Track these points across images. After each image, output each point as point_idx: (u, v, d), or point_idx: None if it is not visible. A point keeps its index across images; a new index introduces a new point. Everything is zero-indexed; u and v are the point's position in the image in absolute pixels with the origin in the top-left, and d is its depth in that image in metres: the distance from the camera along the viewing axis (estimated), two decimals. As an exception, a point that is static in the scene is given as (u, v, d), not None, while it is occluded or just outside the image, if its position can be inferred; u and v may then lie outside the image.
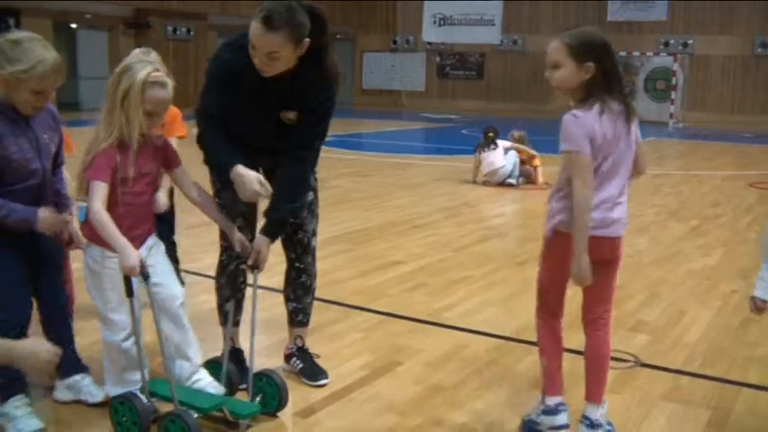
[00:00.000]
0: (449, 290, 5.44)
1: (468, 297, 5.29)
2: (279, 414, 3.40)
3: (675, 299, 5.38)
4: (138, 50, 3.32)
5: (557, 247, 3.18)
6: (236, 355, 3.67)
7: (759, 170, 13.19)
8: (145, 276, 3.02)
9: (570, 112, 3.04)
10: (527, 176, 10.59)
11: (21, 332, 3.13)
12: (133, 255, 2.99)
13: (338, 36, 28.43)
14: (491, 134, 10.65)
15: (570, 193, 3.00)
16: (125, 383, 3.28)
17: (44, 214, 3.13)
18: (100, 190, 3.07)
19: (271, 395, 3.38)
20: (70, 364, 3.43)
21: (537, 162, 10.71)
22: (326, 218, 7.33)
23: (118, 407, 3.17)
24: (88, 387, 3.46)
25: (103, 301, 3.22)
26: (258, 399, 3.36)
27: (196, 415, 3.09)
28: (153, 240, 3.35)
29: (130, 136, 3.08)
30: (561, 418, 3.26)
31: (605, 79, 3.02)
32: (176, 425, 3.01)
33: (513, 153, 10.54)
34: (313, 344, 4.01)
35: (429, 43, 28.96)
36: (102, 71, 21.67)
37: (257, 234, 3.48)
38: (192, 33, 24.65)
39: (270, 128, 3.35)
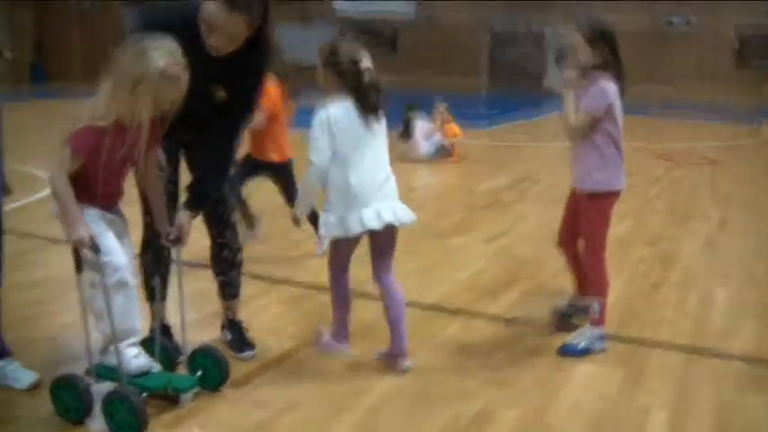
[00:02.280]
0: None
1: (390, 268, 5.36)
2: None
3: (590, 266, 5.55)
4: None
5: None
6: (165, 331, 3.65)
7: (666, 143, 13.60)
8: (95, 250, 2.96)
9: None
10: (444, 150, 10.66)
11: None
12: (82, 228, 2.95)
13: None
14: (408, 113, 10.58)
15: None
16: (124, 336, 3.13)
17: None
18: (72, 162, 2.98)
19: (211, 370, 3.37)
20: None
21: (457, 135, 10.79)
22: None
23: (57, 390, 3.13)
24: (14, 372, 3.39)
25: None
26: (198, 374, 3.34)
27: (144, 394, 3.07)
28: (120, 212, 3.29)
29: (132, 121, 2.98)
30: None
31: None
32: (124, 405, 2.98)
33: (434, 140, 10.59)
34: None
35: (341, 14, 28.85)
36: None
37: (180, 208, 3.45)
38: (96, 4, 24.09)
39: (199, 104, 3.32)
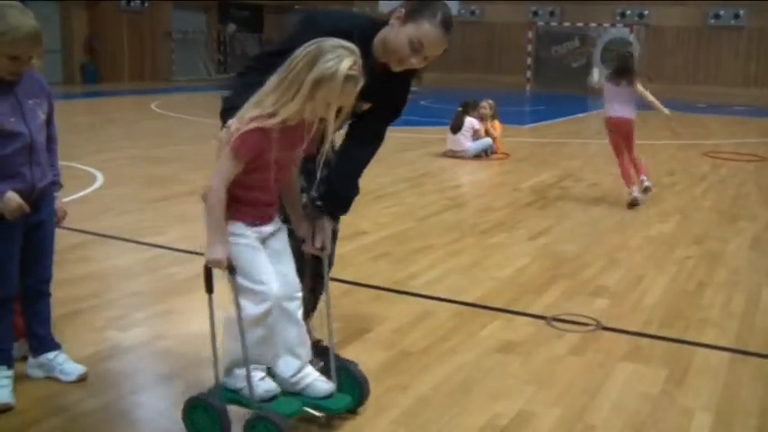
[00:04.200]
0: (412, 258, 5.52)
1: (432, 265, 5.38)
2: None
3: (633, 264, 5.52)
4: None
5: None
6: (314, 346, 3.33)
7: (712, 140, 13.43)
8: (230, 270, 2.80)
9: None
10: (489, 148, 10.71)
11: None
12: (221, 249, 2.77)
13: (296, 7, 28.27)
14: (461, 109, 10.77)
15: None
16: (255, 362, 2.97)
17: (10, 196, 3.08)
18: (234, 168, 2.77)
19: (350, 389, 3.19)
20: (43, 341, 3.45)
21: (497, 131, 10.88)
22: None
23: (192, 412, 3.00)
24: (62, 365, 3.44)
25: (245, 274, 2.85)
26: (348, 396, 3.16)
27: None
28: (278, 223, 3.05)
29: (302, 121, 2.81)
30: None
31: None
32: (269, 429, 2.84)
33: (483, 141, 10.66)
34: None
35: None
36: (54, 44, 21.36)
37: (322, 217, 3.22)
38: (146, 5, 24.37)
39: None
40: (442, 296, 4.73)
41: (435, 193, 8.11)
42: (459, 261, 5.50)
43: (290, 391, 3.04)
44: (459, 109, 10.84)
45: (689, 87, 24.84)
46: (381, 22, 3.18)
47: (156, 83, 23.57)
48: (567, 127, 14.82)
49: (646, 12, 25.51)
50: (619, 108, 7.80)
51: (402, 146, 11.23)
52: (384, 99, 3.27)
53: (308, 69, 2.72)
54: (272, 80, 2.79)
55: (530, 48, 26.74)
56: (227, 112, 2.95)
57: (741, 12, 24.74)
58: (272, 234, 2.99)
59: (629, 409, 3.34)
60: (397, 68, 3.16)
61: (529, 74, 26.72)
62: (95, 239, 5.74)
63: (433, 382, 3.55)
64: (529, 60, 26.77)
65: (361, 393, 3.22)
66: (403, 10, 3.10)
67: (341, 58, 2.72)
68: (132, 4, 24.15)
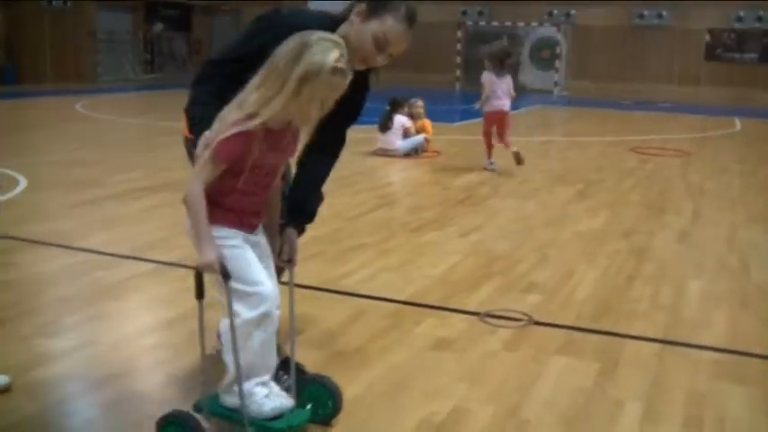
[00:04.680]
0: (345, 258, 5.50)
1: (365, 264, 5.36)
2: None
3: (564, 260, 5.58)
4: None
5: None
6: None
7: (638, 135, 13.69)
8: (225, 275, 2.64)
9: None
10: (420, 147, 10.74)
11: None
12: (211, 249, 2.62)
13: (223, 8, 28.04)
14: (389, 108, 10.76)
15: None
16: (255, 373, 2.82)
17: None
18: (212, 169, 2.63)
19: (323, 401, 3.09)
20: None
21: (428, 131, 10.91)
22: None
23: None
24: None
25: (238, 278, 2.69)
26: (308, 406, 3.05)
27: None
28: (262, 234, 2.92)
29: (289, 123, 2.69)
30: None
31: None
32: None
33: (414, 139, 10.68)
34: (211, 316, 4.00)
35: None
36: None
37: (287, 227, 3.11)
38: (69, 4, 23.88)
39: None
40: (376, 295, 4.71)
41: (367, 192, 8.09)
42: (391, 260, 5.49)
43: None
44: (387, 108, 10.83)
45: (615, 85, 25.33)
46: (341, 19, 3.08)
47: (80, 84, 23.07)
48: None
49: (573, 11, 25.91)
50: (500, 99, 9.08)
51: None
52: (345, 101, 3.08)
53: (292, 64, 2.57)
54: (254, 80, 2.64)
55: (459, 47, 26.96)
56: (199, 124, 2.81)
57: (664, 12, 25.32)
58: (257, 243, 2.85)
59: (562, 403, 3.36)
60: (359, 67, 3.04)
61: (458, 72, 26.93)
62: (19, 245, 5.58)
63: (367, 381, 3.53)
64: (458, 59, 26.99)
65: (335, 405, 3.10)
66: (364, 5, 3.00)
67: (327, 50, 2.59)
68: (54, 3, 23.63)
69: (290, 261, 3.06)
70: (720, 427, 3.22)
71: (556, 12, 26.01)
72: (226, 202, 2.71)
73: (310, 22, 2.89)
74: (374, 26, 2.98)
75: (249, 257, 2.76)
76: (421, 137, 10.71)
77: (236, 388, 2.77)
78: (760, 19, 25.44)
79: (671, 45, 25.61)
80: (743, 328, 4.37)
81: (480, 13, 26.65)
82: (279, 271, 3.11)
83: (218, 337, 3.07)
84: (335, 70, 2.58)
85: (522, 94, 21.88)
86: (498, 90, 9.07)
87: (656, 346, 4.06)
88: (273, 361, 2.88)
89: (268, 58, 2.63)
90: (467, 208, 7.33)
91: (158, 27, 27.68)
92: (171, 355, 3.73)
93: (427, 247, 5.83)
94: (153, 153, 9.98)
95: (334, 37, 2.68)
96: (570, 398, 3.42)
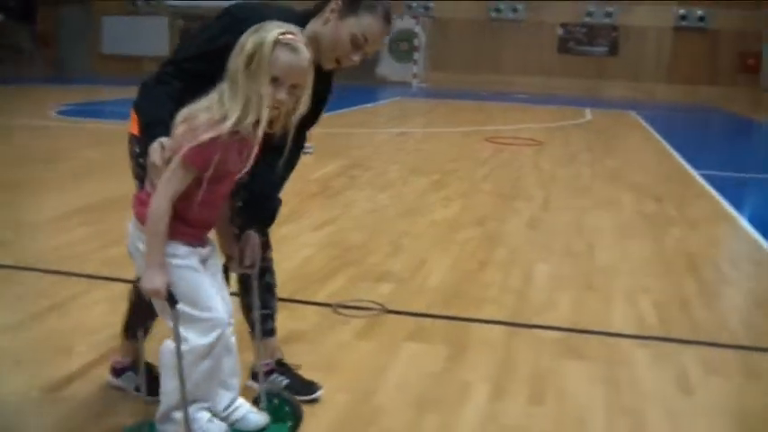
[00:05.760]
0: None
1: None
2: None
3: (418, 248, 5.68)
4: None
5: None
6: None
7: (494, 125, 14.05)
8: (171, 303, 2.47)
9: None
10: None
11: None
12: (159, 276, 2.44)
13: None
14: None
15: None
16: (200, 399, 2.67)
17: None
18: (183, 181, 2.43)
19: (284, 416, 2.98)
20: None
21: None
22: (67, 190, 7.09)
23: None
24: None
25: (190, 302, 2.53)
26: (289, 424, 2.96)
27: None
28: (211, 243, 2.75)
29: (249, 121, 2.45)
30: None
31: None
32: None
33: None
34: (61, 316, 3.90)
35: (172, 6, 28.19)
36: None
37: (249, 231, 2.95)
38: None
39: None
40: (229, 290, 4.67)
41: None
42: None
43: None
44: None
45: (473, 77, 25.94)
46: (310, 14, 2.96)
47: None
48: (355, 117, 15.01)
49: (431, 4, 26.35)
50: None
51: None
52: (309, 100, 3.06)
53: (237, 55, 2.44)
54: (221, 85, 2.48)
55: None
56: (152, 127, 2.62)
57: (519, 6, 26.09)
58: (208, 256, 2.69)
59: (414, 387, 3.44)
60: (331, 66, 2.95)
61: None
62: None
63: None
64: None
65: (296, 420, 3.02)
66: (340, 2, 2.88)
67: (267, 29, 2.46)
68: None
69: (252, 266, 2.92)
70: (561, 400, 3.38)
71: (414, 4, 26.36)
72: (184, 216, 2.51)
73: (279, 17, 2.73)
74: (351, 24, 2.86)
75: (202, 279, 2.59)
76: None
77: (175, 415, 2.63)
78: (609, 14, 26.54)
79: (526, 38, 26.42)
80: (586, 308, 4.57)
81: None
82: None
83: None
84: (277, 43, 2.44)
85: (381, 87, 22.11)
86: None
87: (504, 328, 4.20)
88: (213, 391, 2.73)
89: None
90: (322, 200, 7.36)
91: (-1, 17, 26.42)
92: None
93: (281, 242, 5.78)
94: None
95: (283, 23, 2.53)
96: (421, 382, 3.50)
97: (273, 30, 2.46)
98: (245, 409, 2.84)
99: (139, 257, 2.54)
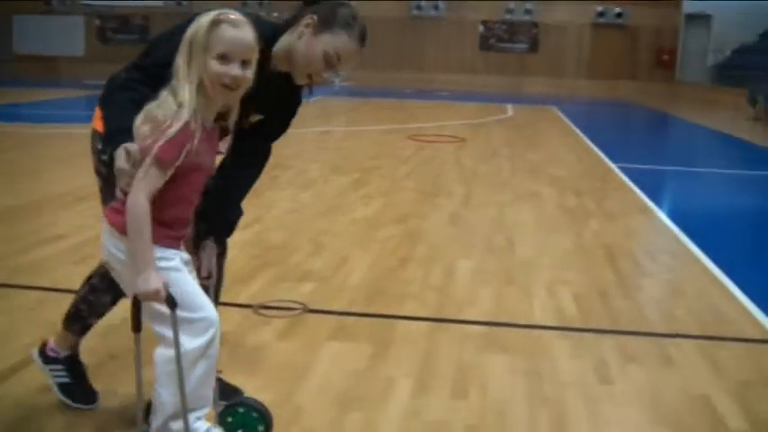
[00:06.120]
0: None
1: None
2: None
3: (339, 247, 5.67)
4: None
5: None
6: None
7: (416, 123, 14.11)
8: (171, 304, 2.35)
9: None
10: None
11: None
12: (155, 276, 2.33)
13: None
14: None
15: None
16: (197, 406, 2.53)
17: None
18: (159, 178, 2.34)
19: (252, 427, 2.87)
20: None
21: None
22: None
23: None
24: None
25: (181, 303, 2.40)
26: None
27: None
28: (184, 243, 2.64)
29: (214, 94, 2.39)
30: None
31: None
32: None
33: None
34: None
35: (87, 5, 27.69)
36: None
37: (206, 241, 2.88)
38: None
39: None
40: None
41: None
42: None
43: None
44: None
45: (396, 75, 26.06)
46: (282, 27, 2.88)
47: None
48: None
49: (352, 3, 26.26)
50: None
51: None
52: (277, 112, 2.98)
53: (181, 48, 2.39)
54: (174, 79, 2.40)
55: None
56: (117, 135, 2.51)
57: (440, 4, 26.29)
58: (188, 260, 2.60)
59: (336, 386, 3.42)
60: (303, 82, 2.89)
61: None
62: None
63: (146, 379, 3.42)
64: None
65: (267, 423, 2.91)
66: (315, 17, 2.80)
67: (204, 15, 2.40)
68: None
69: (209, 277, 2.83)
70: (483, 393, 3.40)
71: (335, 4, 26.32)
72: (160, 217, 2.39)
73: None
74: (326, 41, 2.80)
75: (188, 279, 2.49)
76: None
77: (173, 425, 2.50)
78: (529, 12, 26.94)
79: (447, 36, 26.67)
80: (507, 302, 4.61)
81: (261, 5, 26.56)
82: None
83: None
84: (214, 22, 2.36)
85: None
86: None
87: (426, 324, 4.21)
88: (212, 390, 2.63)
89: None
90: (244, 201, 7.27)
91: None
92: None
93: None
94: None
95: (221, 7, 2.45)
96: (344, 380, 3.48)
97: (210, 12, 2.41)
98: (206, 426, 2.66)
99: (122, 268, 2.45)
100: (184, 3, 27.36)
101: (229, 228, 3.12)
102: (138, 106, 2.50)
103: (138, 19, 28.23)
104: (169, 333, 2.40)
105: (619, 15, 27.01)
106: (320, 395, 3.35)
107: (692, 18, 26.80)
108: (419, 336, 4.04)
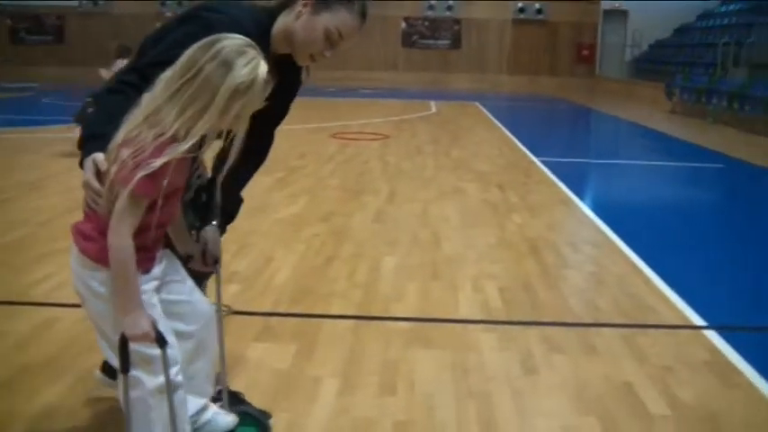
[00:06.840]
0: (36, 266, 5.18)
1: (59, 271, 5.08)
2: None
3: (264, 247, 5.62)
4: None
5: None
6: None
7: (340, 121, 14.10)
8: (160, 341, 2.23)
9: None
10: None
11: None
12: (144, 317, 2.22)
13: None
14: (90, 100, 10.27)
15: None
16: None
17: None
18: (137, 215, 2.21)
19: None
20: None
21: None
22: None
23: None
24: None
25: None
26: None
27: None
28: (161, 250, 2.49)
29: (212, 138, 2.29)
30: None
31: None
32: None
33: None
34: None
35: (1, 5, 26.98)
36: None
37: (209, 225, 2.81)
38: None
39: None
40: (68, 302, 4.48)
41: (60, 194, 7.67)
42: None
43: None
44: (89, 99, 10.25)
45: (320, 73, 25.90)
46: (276, 10, 2.80)
47: None
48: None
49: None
50: None
51: (20, 148, 10.58)
52: (279, 95, 2.85)
53: (221, 76, 2.19)
54: (159, 91, 2.23)
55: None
56: (90, 142, 2.39)
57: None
58: (163, 267, 2.46)
59: (262, 387, 3.39)
60: (305, 63, 2.85)
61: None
62: None
63: (58, 391, 3.34)
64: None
65: (263, 426, 2.90)
66: None
67: (256, 61, 2.24)
68: None
69: (217, 262, 2.79)
70: (411, 388, 3.41)
71: (256, 3, 26.14)
72: (143, 244, 2.29)
73: (246, 20, 2.62)
74: (326, 19, 2.75)
75: (158, 315, 2.35)
76: None
77: None
78: (450, 8, 27.14)
79: (370, 33, 26.66)
80: (433, 297, 4.63)
81: (180, 4, 26.23)
82: (203, 276, 2.92)
83: None
84: (267, 82, 2.27)
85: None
86: None
87: (352, 322, 4.20)
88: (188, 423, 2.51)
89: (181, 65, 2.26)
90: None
91: None
92: None
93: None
94: None
95: (249, 40, 2.30)
96: (270, 381, 3.46)
97: (261, 65, 2.26)
98: (213, 411, 2.68)
99: (101, 303, 2.33)
100: (101, 2, 26.83)
101: (231, 215, 3.12)
102: (123, 111, 2.33)
103: (52, 19, 27.55)
104: (138, 373, 2.30)
105: (539, 11, 27.42)
106: (247, 397, 3.30)
107: (609, 14, 27.35)
108: (345, 334, 4.03)
